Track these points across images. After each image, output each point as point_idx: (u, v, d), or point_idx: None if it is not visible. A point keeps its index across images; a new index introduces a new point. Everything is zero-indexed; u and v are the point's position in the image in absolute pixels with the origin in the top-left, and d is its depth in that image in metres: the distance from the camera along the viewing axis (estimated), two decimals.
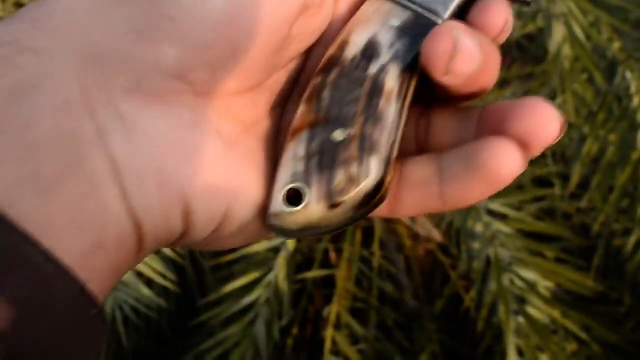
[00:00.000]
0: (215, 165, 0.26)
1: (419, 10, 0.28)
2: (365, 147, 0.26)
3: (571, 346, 1.07)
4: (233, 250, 1.12)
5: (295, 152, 0.27)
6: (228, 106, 0.27)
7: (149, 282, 1.07)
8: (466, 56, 0.25)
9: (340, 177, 0.26)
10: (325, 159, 0.26)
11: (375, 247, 1.26)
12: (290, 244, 1.09)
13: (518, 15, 1.29)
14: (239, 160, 0.27)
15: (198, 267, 1.18)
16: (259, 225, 0.28)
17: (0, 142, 0.22)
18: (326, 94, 0.27)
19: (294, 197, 0.26)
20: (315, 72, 0.28)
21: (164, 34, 0.24)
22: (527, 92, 1.29)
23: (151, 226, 0.24)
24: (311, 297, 1.27)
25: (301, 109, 0.27)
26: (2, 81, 0.23)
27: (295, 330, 1.22)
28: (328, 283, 1.24)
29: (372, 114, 0.27)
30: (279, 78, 0.29)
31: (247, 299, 1.08)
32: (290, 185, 0.26)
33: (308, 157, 0.26)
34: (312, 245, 1.26)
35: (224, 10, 0.24)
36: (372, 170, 0.26)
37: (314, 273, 1.22)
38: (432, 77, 0.26)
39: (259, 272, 1.09)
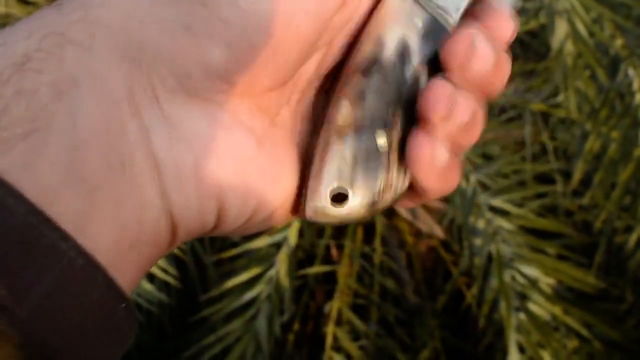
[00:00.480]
0: (248, 163, 0.26)
1: (436, 10, 0.29)
2: (405, 154, 0.28)
3: (572, 343, 1.07)
4: (235, 245, 1.12)
5: (342, 153, 0.28)
6: (260, 102, 0.27)
7: (150, 277, 1.07)
8: (482, 57, 0.27)
9: (382, 183, 0.28)
10: (370, 164, 0.28)
11: (377, 243, 1.26)
12: (292, 240, 1.09)
13: (520, 12, 1.29)
14: (269, 154, 0.27)
15: (200, 263, 1.18)
16: (286, 213, 0.29)
17: (45, 141, 0.22)
18: (370, 95, 0.28)
19: (338, 196, 0.28)
20: (353, 68, 0.29)
21: (213, 35, 0.24)
22: (529, 89, 1.29)
23: (186, 222, 0.25)
24: (313, 293, 1.27)
25: (345, 108, 0.28)
26: (46, 77, 0.22)
27: (296, 326, 1.22)
28: (329, 279, 1.24)
29: (410, 119, 0.28)
30: (303, 69, 0.29)
31: (249, 295, 1.08)
32: (336, 185, 0.28)
33: (354, 160, 0.28)
34: (314, 241, 1.26)
35: (270, 13, 0.24)
36: (408, 177, 0.28)
37: (316, 269, 1.22)
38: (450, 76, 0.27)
39: (261, 268, 1.09)
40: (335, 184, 0.28)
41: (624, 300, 1.16)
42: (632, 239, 1.11)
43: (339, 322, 1.17)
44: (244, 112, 0.26)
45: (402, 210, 1.31)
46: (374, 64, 0.28)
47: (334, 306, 1.17)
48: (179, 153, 0.24)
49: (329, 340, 1.14)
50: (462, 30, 0.27)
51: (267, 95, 0.27)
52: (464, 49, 0.27)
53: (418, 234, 1.33)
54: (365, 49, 0.28)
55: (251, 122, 0.27)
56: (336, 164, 0.28)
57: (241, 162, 0.26)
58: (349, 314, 1.18)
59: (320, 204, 0.28)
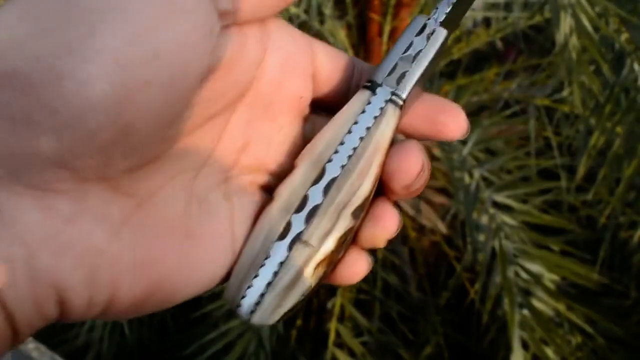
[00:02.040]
0: (95, 252, 0.24)
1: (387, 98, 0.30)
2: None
3: (576, 339, 1.07)
4: None
5: (265, 270, 0.28)
6: (119, 185, 0.25)
7: None
8: (425, 176, 0.29)
9: (296, 301, 0.29)
10: (289, 288, 0.29)
11: None
12: None
13: (525, 6, 1.28)
14: (131, 238, 0.25)
15: None
16: (214, 279, 0.28)
17: None
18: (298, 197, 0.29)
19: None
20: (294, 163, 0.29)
21: (43, 125, 0.22)
22: (534, 84, 1.28)
23: (24, 316, 0.24)
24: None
25: (276, 210, 0.29)
26: None
27: (299, 322, 1.22)
28: None
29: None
30: (190, 142, 0.27)
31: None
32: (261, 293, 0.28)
33: (275, 278, 0.28)
34: None
35: (109, 96, 0.22)
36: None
37: None
38: (392, 187, 0.29)
39: None
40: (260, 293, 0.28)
41: (627, 296, 1.16)
42: (637, 234, 1.10)
43: (341, 318, 1.17)
44: (96, 198, 0.24)
45: (405, 205, 1.31)
46: (314, 162, 0.29)
47: (337, 302, 1.17)
48: (10, 247, 0.23)
49: (331, 336, 1.14)
50: (411, 150, 0.29)
51: (130, 176, 0.25)
52: (413, 173, 0.29)
53: (421, 229, 1.33)
54: (311, 148, 0.29)
55: (105, 209, 0.25)
56: (258, 275, 0.28)
57: (85, 251, 0.24)
58: (351, 310, 1.17)
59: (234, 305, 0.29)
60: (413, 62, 0.30)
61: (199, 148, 0.28)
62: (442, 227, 1.30)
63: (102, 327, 1.08)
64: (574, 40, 1.04)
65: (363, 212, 0.29)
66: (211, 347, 1.08)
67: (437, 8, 0.31)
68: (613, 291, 1.16)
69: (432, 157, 1.34)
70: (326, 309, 1.19)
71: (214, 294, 1.09)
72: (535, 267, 1.04)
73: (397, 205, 0.30)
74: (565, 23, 1.05)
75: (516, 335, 1.01)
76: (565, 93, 1.10)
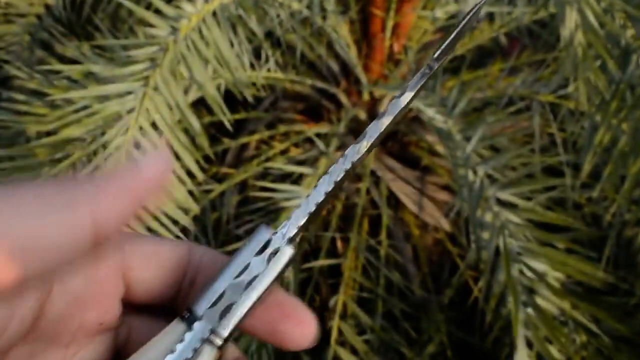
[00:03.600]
0: None
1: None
2: None
3: (581, 338, 1.06)
4: (239, 239, 1.11)
5: None
6: None
7: None
8: None
9: None
10: None
11: (383, 236, 1.25)
12: None
13: (529, 1, 1.27)
14: None
15: None
16: None
17: None
18: None
19: None
20: None
21: None
22: (538, 80, 1.27)
23: None
24: (318, 286, 1.26)
25: None
26: None
27: None
28: (335, 272, 1.23)
29: None
30: None
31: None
32: None
33: None
34: (319, 234, 1.25)
35: None
36: None
37: (321, 262, 1.22)
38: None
39: None
40: None
41: (633, 294, 1.15)
42: None
43: (344, 316, 1.16)
44: None
45: (408, 201, 1.30)
46: None
47: (339, 300, 1.17)
48: None
49: (334, 334, 1.13)
50: None
51: None
52: None
53: (424, 226, 1.32)
54: None
55: None
56: None
57: None
58: (354, 308, 1.17)
59: None
60: (244, 290, 0.26)
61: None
62: (445, 225, 1.29)
63: None
64: (579, 36, 1.03)
65: None
66: None
67: (288, 219, 0.27)
68: (618, 289, 1.15)
69: (436, 154, 1.33)
70: (329, 306, 1.19)
71: None
72: (539, 265, 1.04)
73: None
74: (571, 18, 1.04)
75: (520, 334, 1.01)
76: (570, 89, 1.09)
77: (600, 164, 1.09)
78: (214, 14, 1.08)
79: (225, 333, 0.26)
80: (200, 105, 1.17)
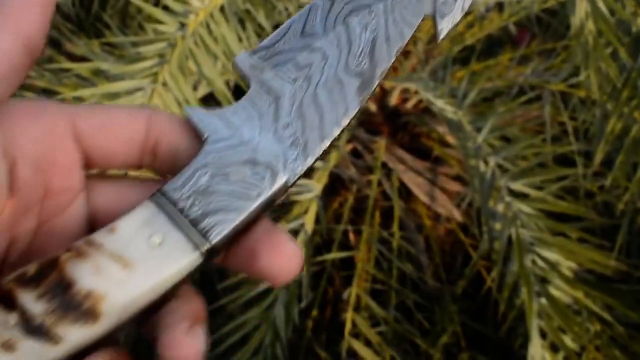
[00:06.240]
0: None
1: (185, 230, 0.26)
2: None
3: (594, 327, 1.06)
4: None
5: None
6: None
7: None
8: None
9: None
10: None
11: (395, 227, 1.25)
12: (309, 226, 1.08)
13: None
14: None
15: None
16: None
17: None
18: None
19: None
20: None
21: None
22: (549, 69, 1.26)
23: None
24: (331, 279, 1.26)
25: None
26: None
27: (314, 313, 1.22)
28: (347, 265, 1.23)
29: None
30: None
31: (266, 283, 1.07)
32: None
33: None
34: (331, 227, 1.25)
35: None
36: None
37: (334, 255, 1.22)
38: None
39: None
40: None
41: None
42: None
43: (357, 308, 1.16)
44: None
45: (420, 193, 1.30)
46: None
47: (352, 292, 1.17)
48: None
49: (347, 326, 1.14)
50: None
51: None
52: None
53: (437, 217, 1.32)
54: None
55: None
56: None
57: None
58: (367, 300, 1.17)
59: None
60: (241, 199, 0.26)
61: None
62: (457, 215, 1.29)
63: None
64: (589, 24, 1.03)
65: None
66: (227, 339, 1.08)
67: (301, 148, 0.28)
68: (631, 277, 1.15)
69: (446, 145, 1.33)
70: (342, 299, 1.19)
71: (229, 287, 1.09)
72: (552, 255, 1.03)
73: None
74: (581, 6, 1.04)
75: (534, 324, 1.01)
76: (581, 78, 1.08)
77: (612, 153, 1.09)
78: (222, 9, 1.08)
79: (215, 239, 0.26)
80: (209, 100, 1.17)
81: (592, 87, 1.05)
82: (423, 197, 1.30)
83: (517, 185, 1.05)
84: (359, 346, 1.13)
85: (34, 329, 0.24)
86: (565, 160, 1.18)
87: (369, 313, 1.17)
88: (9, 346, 0.24)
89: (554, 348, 1.01)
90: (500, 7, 1.36)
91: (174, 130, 0.28)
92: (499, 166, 1.07)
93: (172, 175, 0.27)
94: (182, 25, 1.05)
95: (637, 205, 1.12)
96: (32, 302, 0.24)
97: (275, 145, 0.27)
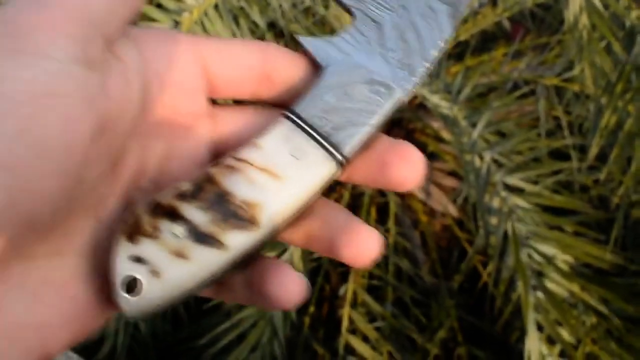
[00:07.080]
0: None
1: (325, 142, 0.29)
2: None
3: (591, 320, 1.07)
4: None
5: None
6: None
7: None
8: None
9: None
10: None
11: (391, 223, 1.25)
12: None
13: None
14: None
15: None
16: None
17: None
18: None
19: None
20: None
21: None
22: (543, 64, 1.26)
23: None
24: (327, 275, 1.26)
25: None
26: None
27: (312, 309, 1.22)
28: None
29: None
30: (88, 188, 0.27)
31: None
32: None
33: None
34: None
35: (4, 203, 0.22)
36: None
37: None
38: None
39: (275, 252, 1.08)
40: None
41: None
42: None
43: (354, 304, 1.16)
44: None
45: (416, 189, 1.30)
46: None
47: (349, 288, 1.17)
48: None
49: (344, 322, 1.14)
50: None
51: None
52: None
53: (432, 213, 1.33)
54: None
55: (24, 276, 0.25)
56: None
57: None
58: (364, 296, 1.17)
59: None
60: (364, 115, 0.29)
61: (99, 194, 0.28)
62: (453, 211, 1.29)
63: (117, 320, 1.09)
64: (583, 19, 1.03)
65: None
66: (225, 337, 1.08)
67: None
68: (627, 270, 1.15)
69: (441, 140, 1.33)
70: (338, 295, 1.19)
71: None
72: (548, 249, 1.04)
73: None
74: (575, 1, 1.04)
75: (531, 318, 1.01)
76: (575, 72, 1.08)
77: (607, 147, 1.09)
78: (216, 6, 1.07)
79: (347, 150, 0.29)
80: None
81: (587, 81, 1.05)
82: (418, 193, 1.30)
83: (513, 180, 1.06)
84: (356, 342, 1.13)
85: (202, 237, 0.27)
86: (560, 155, 1.18)
87: (365, 309, 1.17)
88: (182, 255, 0.27)
89: (550, 341, 1.02)
90: (494, 2, 1.36)
91: (289, 60, 0.30)
92: (494, 161, 1.07)
93: (290, 102, 0.30)
94: (176, 23, 1.05)
95: (632, 198, 1.12)
96: (197, 214, 0.27)
97: (385, 67, 0.30)
